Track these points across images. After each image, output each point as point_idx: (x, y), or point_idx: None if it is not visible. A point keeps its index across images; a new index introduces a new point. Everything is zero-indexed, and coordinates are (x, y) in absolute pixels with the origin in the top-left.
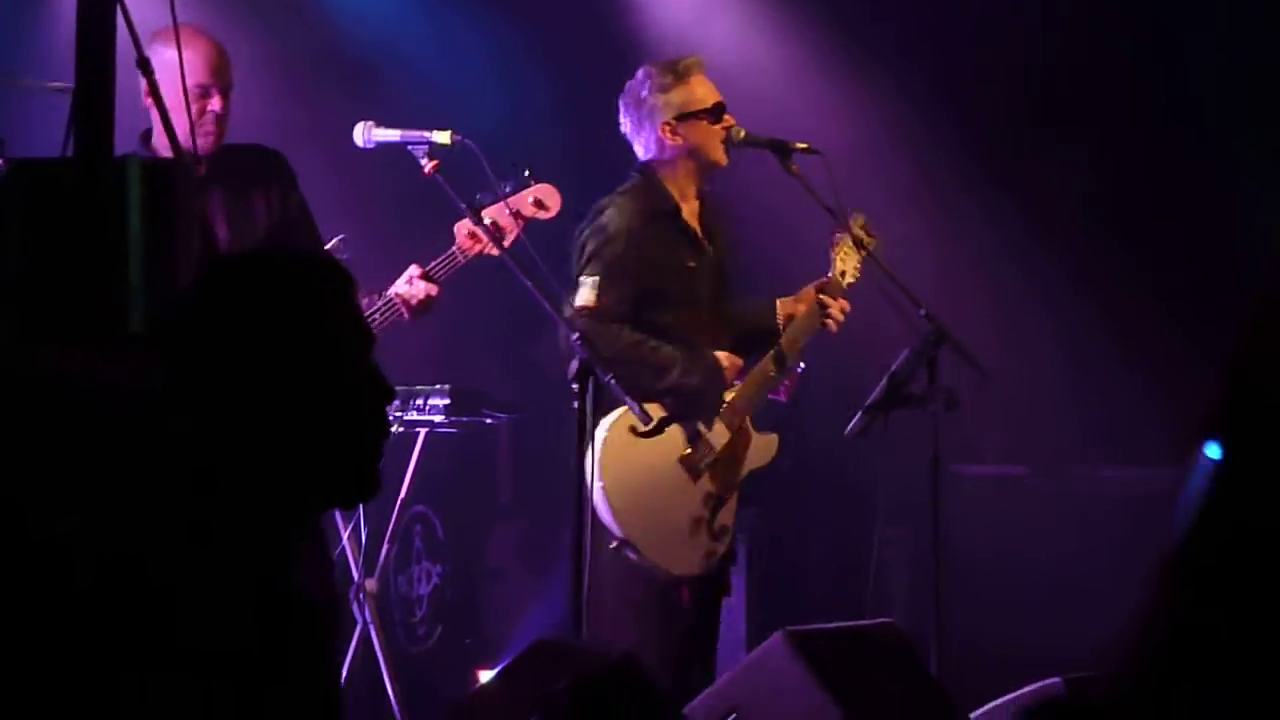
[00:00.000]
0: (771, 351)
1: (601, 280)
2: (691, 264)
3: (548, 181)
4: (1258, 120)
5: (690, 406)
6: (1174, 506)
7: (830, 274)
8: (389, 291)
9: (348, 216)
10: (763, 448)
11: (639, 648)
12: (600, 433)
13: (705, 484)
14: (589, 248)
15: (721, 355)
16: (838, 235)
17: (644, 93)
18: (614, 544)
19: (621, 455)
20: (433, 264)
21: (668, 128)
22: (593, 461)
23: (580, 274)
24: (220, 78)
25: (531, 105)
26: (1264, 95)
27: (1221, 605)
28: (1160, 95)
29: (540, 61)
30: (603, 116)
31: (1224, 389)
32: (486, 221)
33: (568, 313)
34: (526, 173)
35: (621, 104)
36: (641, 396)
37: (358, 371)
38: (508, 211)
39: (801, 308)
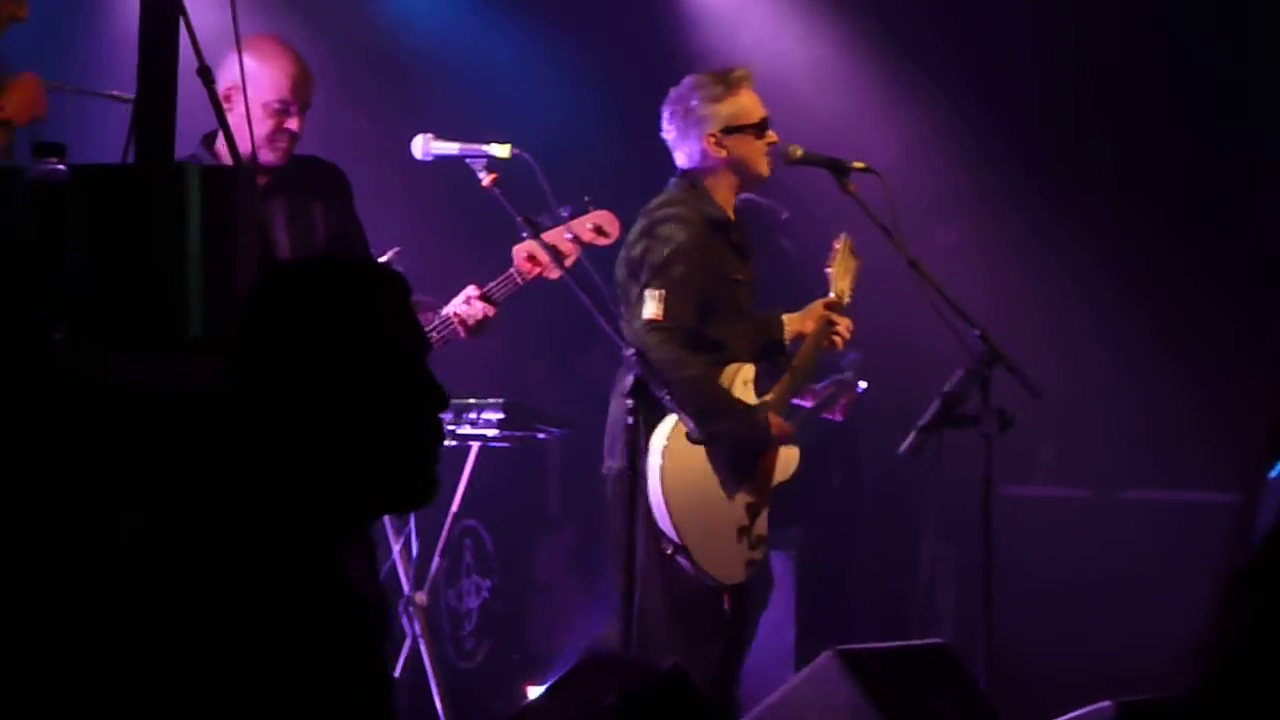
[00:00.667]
0: (789, 372)
1: (668, 293)
2: (739, 277)
3: (597, 190)
4: None
5: (734, 453)
6: (1242, 522)
7: (832, 294)
8: (445, 310)
9: (404, 228)
10: (789, 460)
11: (683, 655)
12: (659, 440)
13: (746, 493)
14: (653, 259)
15: (774, 418)
16: (831, 257)
17: (693, 102)
18: (670, 549)
19: (681, 462)
20: (490, 285)
21: (713, 139)
22: (652, 467)
23: (646, 286)
24: (301, 96)
25: (583, 115)
26: None
27: None
28: (1220, 100)
29: (596, 76)
30: (653, 126)
31: None
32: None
33: (634, 324)
34: (586, 199)
35: (666, 110)
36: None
37: (414, 377)
38: (567, 236)
39: (809, 324)
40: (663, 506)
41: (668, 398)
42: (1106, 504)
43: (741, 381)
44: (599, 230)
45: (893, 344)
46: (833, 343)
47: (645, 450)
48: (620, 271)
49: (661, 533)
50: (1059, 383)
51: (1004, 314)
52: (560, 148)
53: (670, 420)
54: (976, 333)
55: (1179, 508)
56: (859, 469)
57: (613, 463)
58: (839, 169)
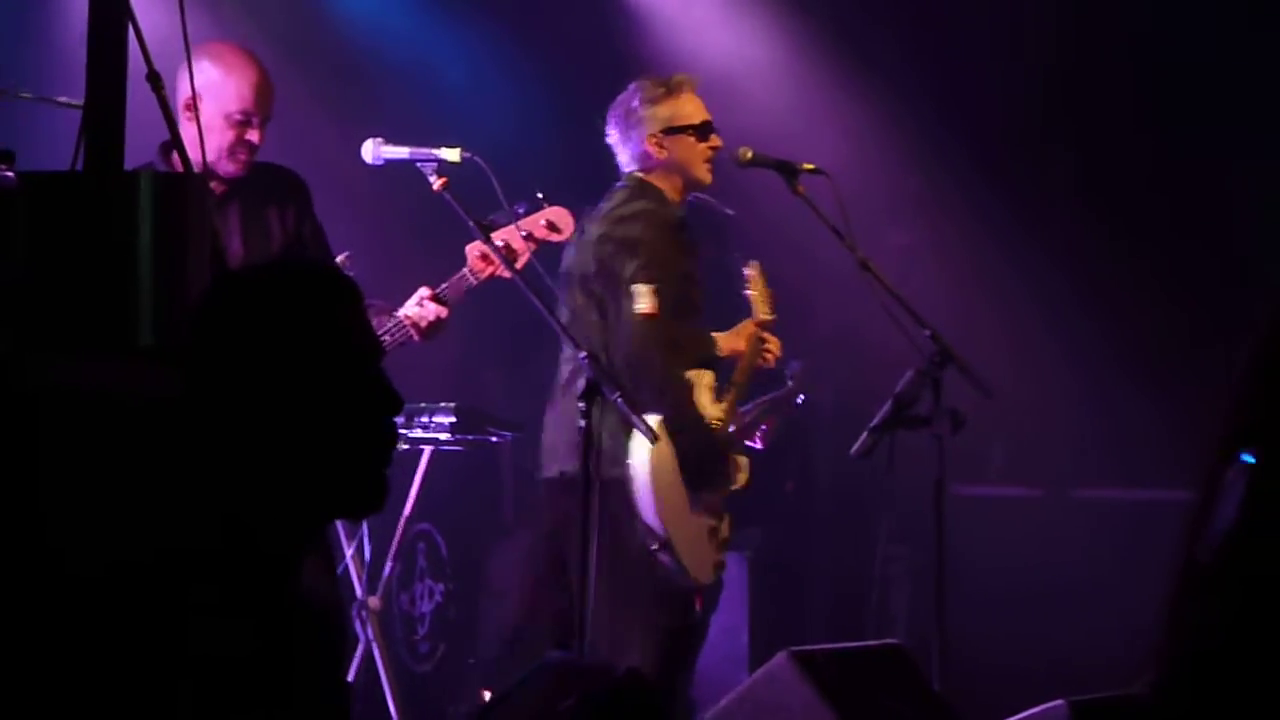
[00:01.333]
0: (732, 388)
1: (656, 287)
2: (694, 274)
3: (551, 197)
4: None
5: (697, 457)
6: (1194, 519)
7: (760, 315)
8: (398, 313)
9: (356, 232)
10: (742, 469)
11: (649, 653)
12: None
13: (711, 496)
14: (630, 255)
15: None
16: (749, 281)
17: (634, 104)
18: (655, 546)
19: (664, 460)
20: (443, 286)
21: (654, 140)
22: (641, 464)
23: (633, 282)
24: (263, 108)
25: (535, 121)
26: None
27: (1269, 607)
28: (1171, 101)
29: (545, 78)
30: (586, 130)
31: (1250, 393)
32: (498, 243)
33: (626, 317)
34: (539, 195)
35: (610, 115)
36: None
37: (366, 382)
38: (520, 234)
39: (741, 343)
40: (651, 501)
41: (620, 401)
42: (1058, 503)
43: (705, 387)
44: (552, 226)
45: (845, 345)
46: (764, 360)
47: (600, 453)
48: (575, 272)
49: (649, 529)
50: (1011, 382)
51: (957, 314)
52: (511, 150)
53: (654, 418)
54: (928, 333)
55: (1131, 506)
56: (814, 470)
57: (566, 466)
58: (788, 171)
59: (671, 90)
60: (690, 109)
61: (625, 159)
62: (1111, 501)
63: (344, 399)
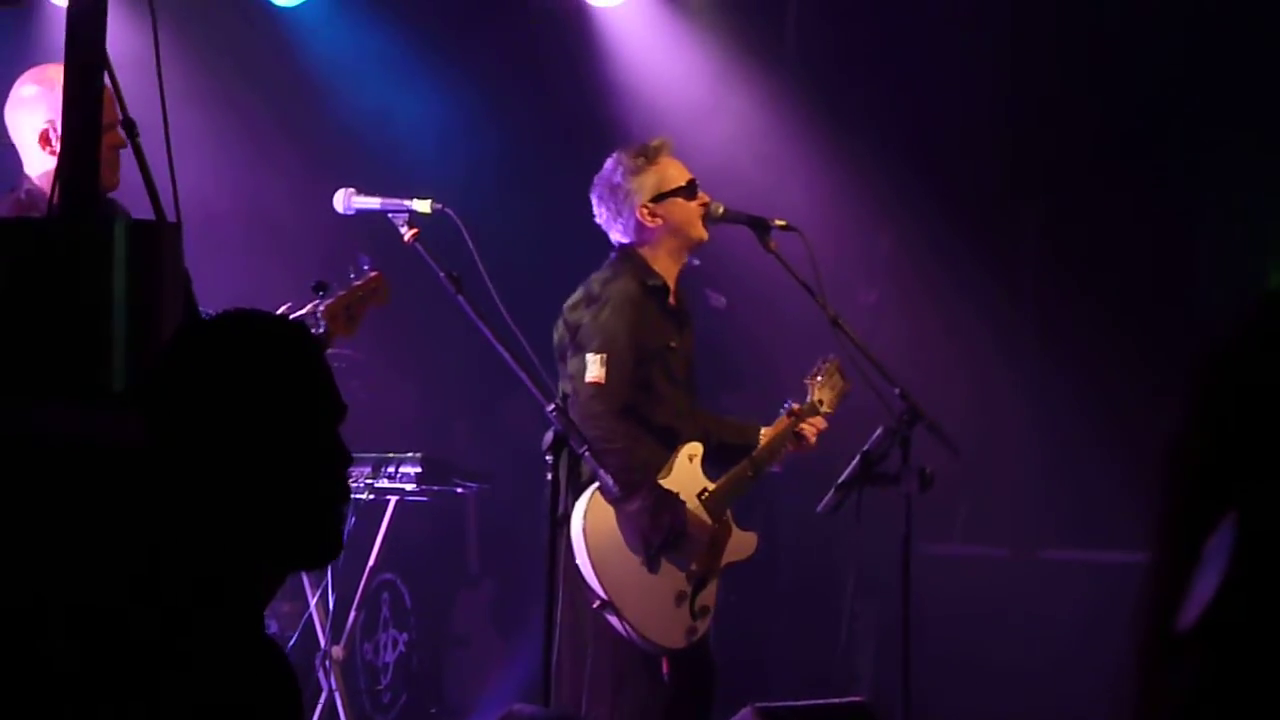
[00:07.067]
0: (749, 458)
1: (608, 357)
2: (673, 344)
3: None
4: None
5: (648, 525)
6: (1157, 581)
7: (807, 400)
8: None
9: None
10: (742, 543)
11: (617, 709)
12: (586, 493)
13: (684, 561)
14: (590, 324)
15: (694, 515)
16: (818, 367)
17: (617, 179)
18: (596, 604)
19: (606, 516)
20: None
21: (646, 210)
22: (575, 519)
23: (585, 350)
24: (110, 112)
25: (489, 172)
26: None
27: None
28: (1139, 156)
29: (498, 128)
30: (563, 186)
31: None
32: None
33: (575, 386)
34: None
35: (594, 195)
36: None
37: (322, 436)
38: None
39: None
40: (586, 561)
41: (587, 454)
42: (1024, 563)
43: (687, 457)
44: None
45: None
46: (801, 443)
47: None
48: (556, 335)
49: (589, 587)
50: (979, 442)
51: (925, 371)
52: (473, 204)
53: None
54: (897, 391)
55: (1096, 568)
56: (778, 525)
57: None
58: (761, 226)
59: (651, 156)
60: (674, 171)
61: (618, 233)
62: (1077, 563)
63: (304, 452)
